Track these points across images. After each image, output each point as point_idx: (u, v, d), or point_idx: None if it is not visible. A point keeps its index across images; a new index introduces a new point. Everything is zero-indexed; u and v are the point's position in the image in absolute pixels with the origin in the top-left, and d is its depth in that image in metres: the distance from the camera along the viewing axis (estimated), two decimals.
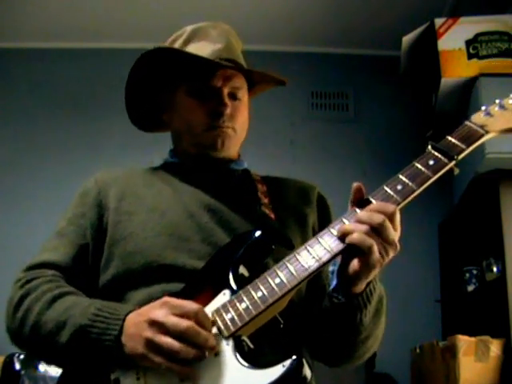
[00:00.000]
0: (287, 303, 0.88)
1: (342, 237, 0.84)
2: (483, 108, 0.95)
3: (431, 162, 0.88)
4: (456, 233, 2.72)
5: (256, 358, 0.83)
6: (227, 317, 0.85)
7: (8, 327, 1.00)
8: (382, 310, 0.98)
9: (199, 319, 0.84)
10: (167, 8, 2.90)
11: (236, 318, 0.84)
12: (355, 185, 0.89)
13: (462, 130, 0.92)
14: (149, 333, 0.83)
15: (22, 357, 1.99)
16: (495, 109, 0.94)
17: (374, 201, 0.87)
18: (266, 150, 2.96)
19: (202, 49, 1.14)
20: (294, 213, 1.13)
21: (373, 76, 3.17)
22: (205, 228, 1.05)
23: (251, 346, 0.85)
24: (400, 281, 2.66)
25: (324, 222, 0.89)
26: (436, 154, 0.89)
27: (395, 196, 0.86)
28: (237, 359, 0.82)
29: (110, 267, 1.04)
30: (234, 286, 0.89)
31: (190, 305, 0.85)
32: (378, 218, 0.83)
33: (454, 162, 0.88)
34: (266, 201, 1.13)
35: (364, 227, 0.83)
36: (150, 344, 0.83)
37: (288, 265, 0.85)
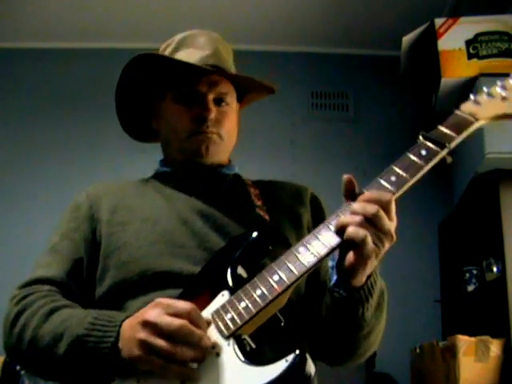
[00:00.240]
0: (287, 302, 0.88)
1: (339, 230, 0.84)
2: (471, 97, 0.95)
3: (423, 152, 0.87)
4: (456, 233, 2.72)
5: (258, 357, 0.82)
6: (227, 317, 0.85)
7: (5, 344, 0.99)
8: (384, 304, 0.97)
9: (192, 317, 0.83)
10: (167, 8, 2.90)
11: (236, 317, 0.84)
12: (345, 177, 0.88)
13: (453, 119, 0.92)
14: (142, 334, 0.83)
15: None
16: (483, 97, 0.95)
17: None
18: (266, 150, 2.95)
19: (189, 56, 1.14)
20: (288, 214, 1.13)
21: (373, 76, 3.17)
22: (199, 234, 1.04)
23: (253, 345, 0.84)
24: (400, 281, 2.66)
25: (318, 222, 0.88)
26: (428, 143, 0.89)
27: (390, 187, 0.85)
28: (238, 358, 0.81)
29: (105, 278, 1.03)
30: (233, 287, 0.89)
31: (183, 304, 0.85)
32: (372, 209, 0.82)
33: (446, 150, 0.87)
34: (259, 203, 1.12)
35: (358, 218, 0.82)
36: (145, 345, 0.82)
37: (286, 262, 0.85)
